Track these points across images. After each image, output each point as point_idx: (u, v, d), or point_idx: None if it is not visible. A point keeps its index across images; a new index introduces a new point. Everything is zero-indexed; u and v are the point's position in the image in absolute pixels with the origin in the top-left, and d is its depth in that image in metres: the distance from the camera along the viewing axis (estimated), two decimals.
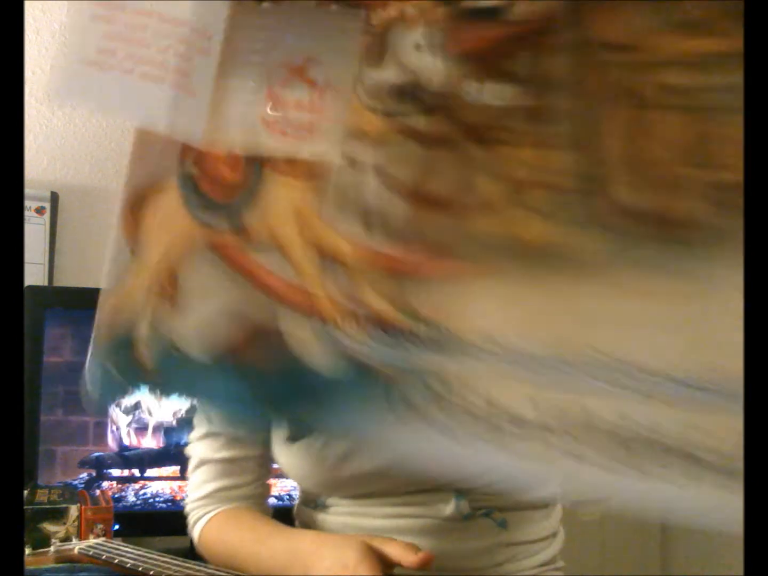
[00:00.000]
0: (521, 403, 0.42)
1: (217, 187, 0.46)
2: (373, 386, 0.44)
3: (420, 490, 0.80)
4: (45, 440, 1.35)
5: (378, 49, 0.46)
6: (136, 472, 1.42)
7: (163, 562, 0.73)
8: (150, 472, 1.42)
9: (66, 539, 0.89)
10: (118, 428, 1.41)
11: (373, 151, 0.46)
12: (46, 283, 1.53)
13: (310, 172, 0.46)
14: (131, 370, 0.44)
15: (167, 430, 1.41)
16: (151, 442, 1.42)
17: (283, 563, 0.74)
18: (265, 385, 0.44)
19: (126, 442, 1.42)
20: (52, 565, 0.76)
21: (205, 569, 0.74)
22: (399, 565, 0.66)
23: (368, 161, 0.46)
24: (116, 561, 0.74)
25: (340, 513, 0.84)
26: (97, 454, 1.40)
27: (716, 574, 1.57)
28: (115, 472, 1.41)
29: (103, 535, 0.94)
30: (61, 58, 0.44)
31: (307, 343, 0.44)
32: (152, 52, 0.44)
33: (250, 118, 0.46)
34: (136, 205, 0.46)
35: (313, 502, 0.87)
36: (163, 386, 0.44)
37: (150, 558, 0.74)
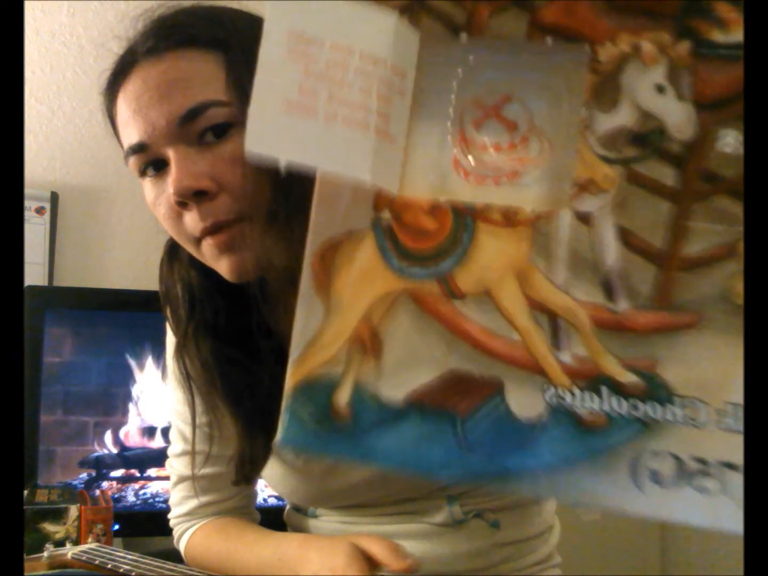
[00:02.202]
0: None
1: (417, 236, 0.43)
2: (578, 436, 0.43)
3: (411, 498, 0.78)
4: (45, 440, 1.35)
5: (610, 90, 0.43)
6: (136, 472, 1.42)
7: (156, 566, 0.73)
8: (150, 472, 1.42)
9: (65, 539, 0.89)
10: (118, 429, 1.41)
11: (608, 205, 0.43)
12: (46, 283, 1.53)
13: (526, 222, 0.43)
14: (324, 415, 0.44)
15: (166, 430, 1.42)
16: (150, 442, 1.43)
17: (271, 569, 0.73)
18: (464, 428, 0.43)
19: (126, 442, 1.42)
20: (44, 571, 0.76)
21: (198, 574, 0.74)
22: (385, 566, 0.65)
23: (602, 216, 0.43)
24: (109, 566, 0.73)
25: (330, 521, 0.83)
26: (97, 454, 1.40)
27: (716, 574, 1.57)
28: (115, 472, 1.41)
29: (103, 535, 0.94)
30: (259, 100, 0.41)
31: (518, 395, 0.43)
32: (355, 94, 0.42)
33: (443, 163, 0.43)
34: (326, 256, 0.44)
35: (303, 510, 0.86)
36: (354, 428, 0.44)
37: (143, 562, 0.73)
